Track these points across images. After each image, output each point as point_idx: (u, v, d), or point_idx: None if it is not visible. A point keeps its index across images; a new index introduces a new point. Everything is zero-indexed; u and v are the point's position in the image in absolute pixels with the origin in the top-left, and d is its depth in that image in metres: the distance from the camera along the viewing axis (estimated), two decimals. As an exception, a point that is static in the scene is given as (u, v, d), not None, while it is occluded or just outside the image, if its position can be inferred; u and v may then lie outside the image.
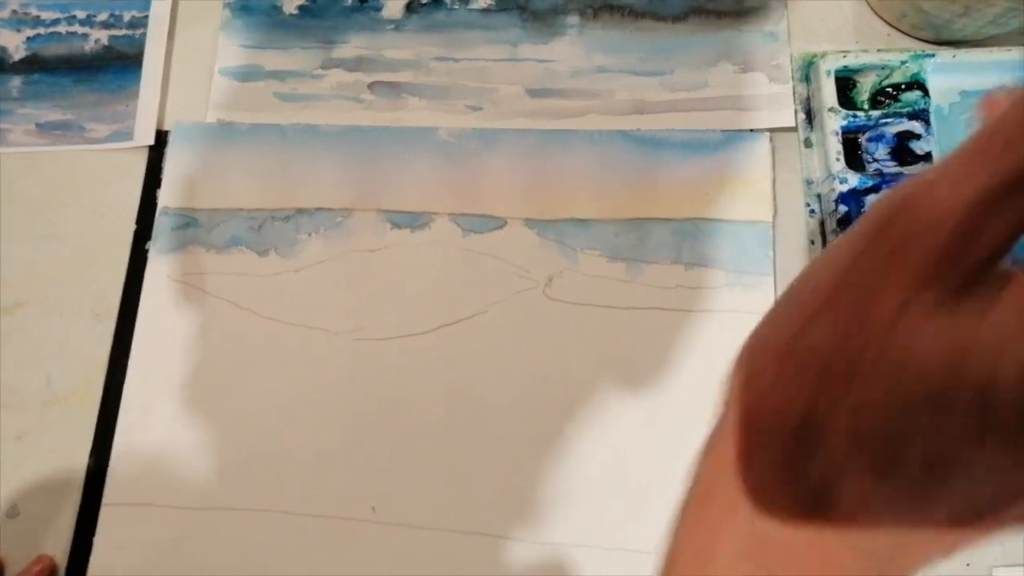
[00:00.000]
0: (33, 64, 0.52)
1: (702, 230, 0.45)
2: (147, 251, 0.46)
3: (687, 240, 0.45)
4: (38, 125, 0.50)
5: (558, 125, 0.48)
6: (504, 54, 0.50)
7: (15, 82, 0.51)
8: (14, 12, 0.53)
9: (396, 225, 0.46)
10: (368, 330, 0.44)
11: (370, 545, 0.41)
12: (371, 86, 0.50)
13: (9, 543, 0.42)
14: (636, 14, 0.50)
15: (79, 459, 0.43)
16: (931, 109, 0.45)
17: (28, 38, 0.52)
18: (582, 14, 0.50)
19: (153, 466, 0.42)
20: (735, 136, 0.46)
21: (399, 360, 0.43)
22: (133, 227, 0.47)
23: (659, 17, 0.50)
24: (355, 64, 0.50)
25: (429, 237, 0.46)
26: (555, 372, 0.43)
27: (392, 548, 0.41)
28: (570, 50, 0.49)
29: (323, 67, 0.50)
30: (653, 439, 0.41)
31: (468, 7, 0.51)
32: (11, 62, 0.52)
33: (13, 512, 0.43)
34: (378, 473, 0.42)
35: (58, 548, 0.42)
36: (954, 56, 0.45)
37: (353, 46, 0.50)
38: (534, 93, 0.49)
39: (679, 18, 0.50)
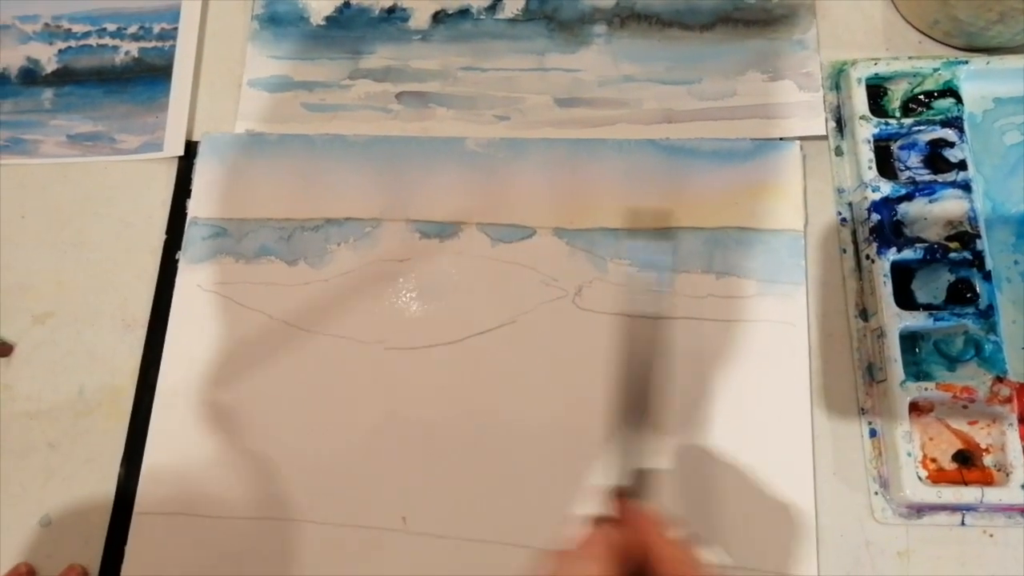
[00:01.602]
0: (64, 76, 0.52)
1: (733, 239, 0.44)
2: (177, 261, 0.47)
3: (718, 249, 0.44)
4: (69, 136, 0.51)
5: (586, 134, 0.48)
6: (531, 64, 0.50)
7: (47, 94, 0.52)
8: (46, 25, 0.54)
9: (425, 235, 0.46)
10: (397, 339, 0.44)
11: (401, 555, 0.41)
12: (399, 96, 0.50)
13: (41, 551, 0.42)
14: (663, 23, 0.50)
15: (111, 468, 0.43)
16: (964, 116, 0.44)
17: (60, 51, 0.53)
18: (609, 23, 0.50)
19: (184, 475, 0.42)
20: (765, 145, 0.46)
21: (428, 369, 0.43)
22: (163, 237, 0.48)
23: (686, 26, 0.50)
24: (383, 74, 0.50)
25: (458, 247, 0.46)
26: (585, 381, 0.43)
27: (423, 558, 0.40)
28: (597, 59, 0.49)
29: (351, 78, 0.50)
30: (683, 449, 0.41)
31: (495, 17, 0.51)
32: (43, 74, 0.53)
33: (45, 521, 0.43)
34: (408, 483, 0.42)
35: (90, 557, 0.42)
36: (988, 63, 0.45)
37: (380, 56, 0.51)
38: (562, 103, 0.49)
39: (707, 27, 0.50)
